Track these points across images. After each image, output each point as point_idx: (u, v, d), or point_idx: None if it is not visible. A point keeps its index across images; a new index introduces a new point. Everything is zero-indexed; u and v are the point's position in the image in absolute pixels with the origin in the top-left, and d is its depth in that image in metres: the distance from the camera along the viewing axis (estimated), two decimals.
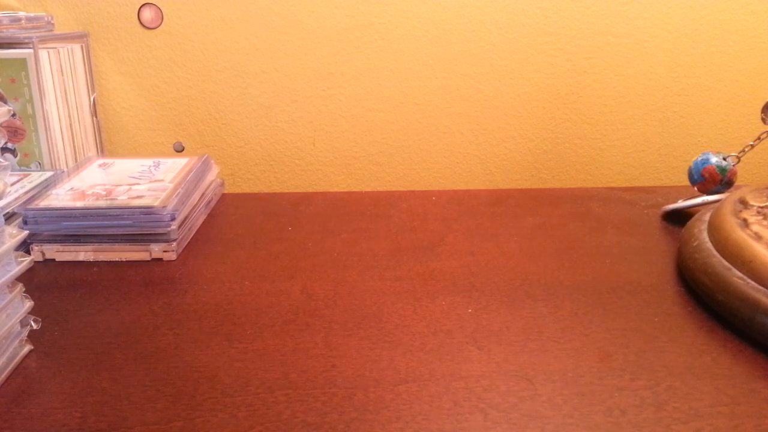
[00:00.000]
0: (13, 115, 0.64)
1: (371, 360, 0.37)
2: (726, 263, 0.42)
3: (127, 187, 0.56)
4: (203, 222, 0.60)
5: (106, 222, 0.51)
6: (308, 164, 0.81)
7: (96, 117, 0.75)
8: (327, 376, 0.36)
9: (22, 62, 0.62)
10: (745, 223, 0.44)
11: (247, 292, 0.46)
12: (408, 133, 0.79)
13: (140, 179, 0.58)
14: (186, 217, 0.55)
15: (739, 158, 0.59)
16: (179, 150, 0.79)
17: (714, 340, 0.39)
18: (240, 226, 0.59)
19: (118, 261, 0.51)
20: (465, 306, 0.44)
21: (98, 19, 0.74)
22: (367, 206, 0.64)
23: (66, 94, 0.68)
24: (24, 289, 0.38)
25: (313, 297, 0.45)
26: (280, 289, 0.46)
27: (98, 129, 0.76)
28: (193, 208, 0.58)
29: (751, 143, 0.58)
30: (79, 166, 0.63)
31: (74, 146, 0.70)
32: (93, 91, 0.74)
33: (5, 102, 0.63)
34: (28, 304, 0.38)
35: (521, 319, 0.42)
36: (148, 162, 0.63)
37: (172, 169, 0.61)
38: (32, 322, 0.39)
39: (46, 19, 0.68)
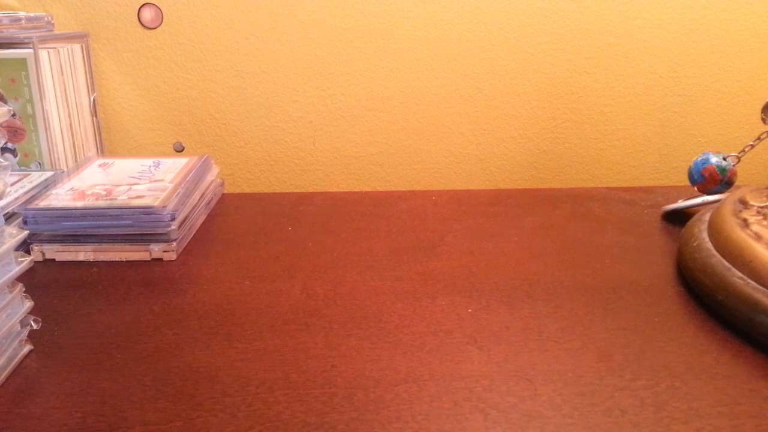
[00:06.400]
0: (13, 115, 0.64)
1: (371, 360, 0.37)
2: (726, 263, 0.42)
3: (127, 187, 0.56)
4: (203, 222, 0.60)
5: (106, 222, 0.51)
6: (308, 164, 0.81)
7: (96, 117, 0.75)
8: (327, 376, 0.36)
9: (22, 62, 0.62)
10: (745, 223, 0.44)
11: (247, 292, 0.46)
12: (408, 133, 0.79)
13: (140, 179, 0.58)
14: (186, 217, 0.55)
15: (739, 158, 0.59)
16: (179, 150, 0.79)
17: (714, 340, 0.39)
18: (240, 226, 0.59)
19: (118, 261, 0.51)
20: (465, 306, 0.44)
21: (98, 19, 0.74)
22: (367, 206, 0.64)
23: (66, 94, 0.68)
24: (24, 289, 0.38)
25: (313, 297, 0.45)
26: (280, 289, 0.46)
27: (98, 129, 0.76)
28: (193, 208, 0.58)
29: (751, 143, 0.58)
30: (79, 166, 0.63)
31: (74, 146, 0.70)
32: (93, 91, 0.74)
33: (5, 102, 0.63)
34: (28, 304, 0.38)
35: (521, 319, 0.42)
36: (148, 162, 0.63)
37: (172, 169, 0.61)
38: (32, 322, 0.39)
39: (46, 19, 0.68)
